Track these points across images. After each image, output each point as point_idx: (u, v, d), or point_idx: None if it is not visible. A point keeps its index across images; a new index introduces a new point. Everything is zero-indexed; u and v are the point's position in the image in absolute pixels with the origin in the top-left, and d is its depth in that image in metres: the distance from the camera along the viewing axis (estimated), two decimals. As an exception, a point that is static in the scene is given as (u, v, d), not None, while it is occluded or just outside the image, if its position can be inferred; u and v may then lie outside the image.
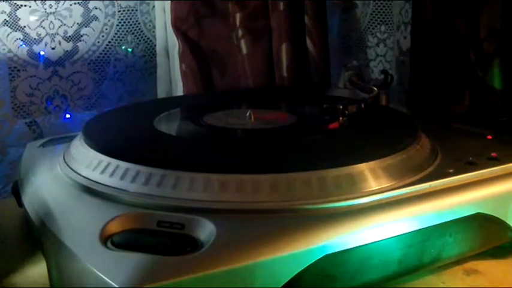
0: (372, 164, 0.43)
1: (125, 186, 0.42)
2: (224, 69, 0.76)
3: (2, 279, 0.43)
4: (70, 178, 0.45)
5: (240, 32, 0.75)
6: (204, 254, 0.34)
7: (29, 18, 0.71)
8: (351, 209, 0.39)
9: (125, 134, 0.52)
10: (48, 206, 0.42)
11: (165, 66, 0.79)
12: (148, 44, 0.80)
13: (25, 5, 0.70)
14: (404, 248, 0.40)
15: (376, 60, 0.92)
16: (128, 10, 0.77)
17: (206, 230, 0.36)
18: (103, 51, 0.76)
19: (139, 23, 0.79)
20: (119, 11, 0.77)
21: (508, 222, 0.45)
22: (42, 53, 0.72)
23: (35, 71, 0.72)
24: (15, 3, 0.70)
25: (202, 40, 0.75)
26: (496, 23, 0.63)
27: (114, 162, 0.44)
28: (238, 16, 0.75)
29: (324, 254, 0.36)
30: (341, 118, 0.53)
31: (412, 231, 0.40)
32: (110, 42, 0.77)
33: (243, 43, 0.75)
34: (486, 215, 0.44)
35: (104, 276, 0.32)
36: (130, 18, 0.78)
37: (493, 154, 0.49)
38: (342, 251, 0.37)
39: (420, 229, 0.41)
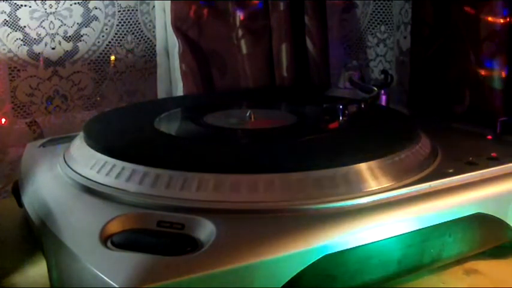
0: (371, 164, 0.43)
1: (125, 186, 0.42)
2: (224, 69, 0.76)
3: (2, 279, 0.43)
4: (70, 178, 0.45)
5: (240, 32, 0.75)
6: (204, 254, 0.34)
7: (29, 18, 0.71)
8: (351, 209, 0.39)
9: (125, 134, 0.52)
10: (48, 206, 0.42)
11: (165, 66, 0.79)
12: (148, 44, 0.80)
13: (25, 5, 0.70)
14: (404, 248, 0.40)
15: (376, 60, 0.92)
16: (128, 10, 0.77)
17: (206, 230, 0.36)
18: (103, 51, 0.76)
19: (139, 23, 0.79)
20: (119, 11, 0.77)
21: (508, 222, 0.45)
22: (42, 53, 0.72)
23: (35, 71, 0.72)
24: (15, 3, 0.70)
25: (202, 40, 0.75)
26: (496, 23, 0.63)
27: (114, 162, 0.44)
28: (238, 16, 0.75)
29: (324, 254, 0.36)
30: (341, 118, 0.53)
31: (412, 231, 0.40)
32: (110, 42, 0.77)
33: (243, 43, 0.75)
34: (486, 215, 0.44)
35: (104, 276, 0.32)
36: (131, 18, 0.78)
37: (493, 154, 0.49)
38: (342, 251, 0.37)
39: (420, 229, 0.41)
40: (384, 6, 0.89)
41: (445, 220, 0.42)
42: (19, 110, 0.73)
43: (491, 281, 0.44)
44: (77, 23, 0.74)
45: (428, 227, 0.41)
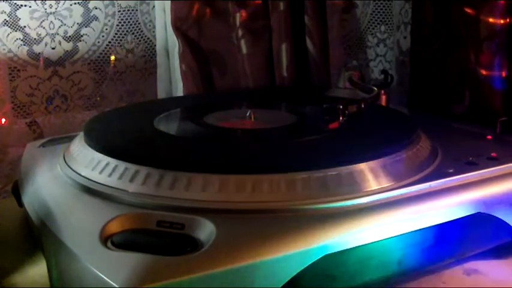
0: (372, 163, 0.43)
1: (124, 186, 0.42)
2: (224, 69, 0.76)
3: (2, 279, 0.43)
4: (70, 178, 0.45)
5: (240, 32, 0.75)
6: (204, 254, 0.34)
7: (29, 18, 0.71)
8: (351, 209, 0.39)
9: (125, 134, 0.52)
10: (48, 206, 0.42)
11: (165, 66, 0.79)
12: (148, 44, 0.80)
13: (25, 5, 0.70)
14: (404, 248, 0.40)
15: (376, 60, 0.92)
16: (128, 10, 0.77)
17: (206, 230, 0.36)
18: (103, 51, 0.77)
19: (139, 23, 0.79)
20: (119, 11, 0.77)
21: (508, 222, 0.45)
22: (42, 53, 0.72)
23: (35, 71, 0.72)
24: (15, 3, 0.70)
25: (202, 40, 0.75)
26: (496, 23, 0.63)
27: (114, 162, 0.44)
28: (238, 16, 0.75)
29: (324, 254, 0.36)
30: (341, 118, 0.53)
31: (412, 231, 0.40)
32: (110, 42, 0.77)
33: (243, 43, 0.75)
34: (486, 215, 0.44)
35: (104, 276, 0.32)
36: (131, 18, 0.78)
37: (493, 154, 0.49)
38: (342, 251, 0.37)
39: (420, 229, 0.41)
40: (383, 6, 0.89)
41: (445, 220, 0.42)
42: (19, 110, 0.73)
43: (491, 281, 0.43)
44: (77, 23, 0.74)
45: (428, 227, 0.41)
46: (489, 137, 0.55)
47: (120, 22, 0.77)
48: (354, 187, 0.41)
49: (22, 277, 0.44)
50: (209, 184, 0.40)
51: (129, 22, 0.78)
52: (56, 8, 0.72)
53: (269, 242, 0.35)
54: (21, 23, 0.70)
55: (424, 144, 0.49)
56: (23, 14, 0.70)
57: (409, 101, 0.78)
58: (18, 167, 0.57)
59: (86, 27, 0.75)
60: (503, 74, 0.64)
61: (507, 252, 0.47)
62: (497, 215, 0.45)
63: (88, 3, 0.74)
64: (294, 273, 0.35)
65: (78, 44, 0.75)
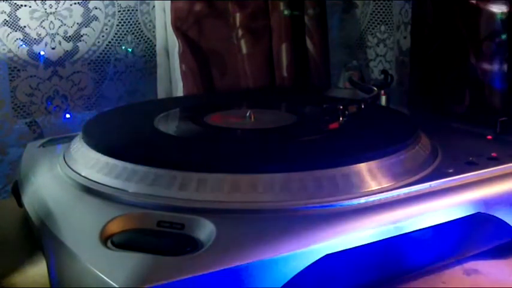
0: (372, 164, 0.43)
1: (124, 186, 0.42)
2: (224, 69, 0.76)
3: (2, 279, 0.43)
4: (70, 178, 0.45)
5: (240, 32, 0.75)
6: (204, 254, 0.34)
7: (29, 18, 0.71)
8: (351, 209, 0.39)
9: (125, 134, 0.52)
10: (48, 206, 0.42)
11: (165, 66, 0.79)
12: (148, 44, 0.80)
13: (25, 5, 0.70)
14: (404, 248, 0.40)
15: (376, 60, 0.92)
16: (128, 10, 0.77)
17: (206, 230, 0.36)
18: (103, 51, 0.77)
19: (139, 23, 0.79)
20: (119, 11, 0.77)
21: (508, 222, 0.45)
22: (42, 53, 0.72)
23: (35, 71, 0.72)
24: (15, 3, 0.70)
25: (202, 40, 0.75)
26: (496, 23, 0.63)
27: (114, 162, 0.44)
28: (238, 16, 0.75)
29: (324, 254, 0.36)
30: (341, 118, 0.53)
31: (411, 231, 0.40)
32: (110, 42, 0.77)
33: (243, 43, 0.75)
34: (486, 215, 0.44)
35: (104, 276, 0.32)
36: (131, 18, 0.78)
37: (493, 154, 0.49)
38: (342, 251, 0.37)
39: (420, 229, 0.41)
40: (384, 6, 0.89)
41: (445, 220, 0.42)
42: (19, 110, 0.73)
43: (491, 281, 0.43)
44: (77, 23, 0.74)
45: (428, 227, 0.41)
46: (489, 137, 0.55)
47: (120, 22, 0.77)
48: (354, 187, 0.41)
49: (22, 277, 0.44)
50: (209, 184, 0.40)
51: (129, 22, 0.78)
52: (56, 8, 0.72)
53: (269, 242, 0.35)
54: (21, 23, 0.71)
55: (424, 144, 0.49)
56: (23, 14, 0.70)
57: (409, 101, 0.78)
58: (18, 167, 0.57)
59: (86, 27, 0.75)
60: (503, 74, 0.64)
61: (507, 252, 0.47)
62: (497, 215, 0.45)
63: (88, 3, 0.74)
64: (294, 273, 0.35)
65: (78, 44, 0.75)
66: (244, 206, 0.39)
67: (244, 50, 0.76)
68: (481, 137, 0.56)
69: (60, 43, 0.73)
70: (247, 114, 0.57)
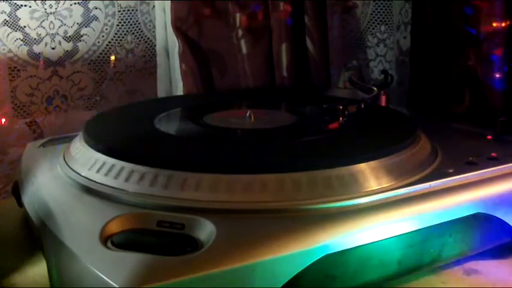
0: (372, 164, 0.43)
1: (124, 186, 0.42)
2: (224, 69, 0.76)
3: (2, 279, 0.43)
4: (70, 178, 0.45)
5: (240, 32, 0.75)
6: (204, 254, 0.34)
7: (29, 18, 0.71)
8: (351, 209, 0.39)
9: (125, 134, 0.52)
10: (48, 206, 0.42)
11: (165, 66, 0.79)
12: (148, 44, 0.80)
13: (25, 5, 0.70)
14: (404, 248, 0.40)
15: (376, 60, 0.92)
16: (128, 10, 0.77)
17: (206, 230, 0.36)
18: (103, 51, 0.77)
19: (139, 23, 0.79)
20: (119, 11, 0.77)
21: (508, 222, 0.45)
22: (42, 53, 0.72)
23: (35, 71, 0.72)
24: (15, 3, 0.70)
25: (202, 40, 0.75)
26: (496, 23, 0.63)
27: (114, 162, 0.44)
28: (238, 16, 0.75)
29: (324, 254, 0.36)
30: (341, 118, 0.53)
31: (412, 231, 0.40)
32: (110, 42, 0.77)
33: (243, 43, 0.75)
34: (486, 215, 0.44)
35: (104, 276, 0.32)
36: (131, 18, 0.78)
37: (493, 154, 0.49)
38: (342, 251, 0.37)
39: (420, 229, 0.41)
40: (383, 6, 0.89)
41: (445, 220, 0.42)
42: (19, 110, 0.73)
43: (491, 281, 0.44)
44: (77, 23, 0.74)
45: (429, 227, 0.41)
46: (489, 137, 0.55)
47: (120, 22, 0.77)
48: (354, 187, 0.41)
49: (22, 277, 0.44)
50: (209, 184, 0.40)
51: (129, 22, 0.78)
52: (56, 8, 0.72)
53: (269, 242, 0.35)
54: (21, 23, 0.70)
55: (424, 144, 0.49)
56: (23, 14, 0.70)
57: (409, 101, 0.78)
58: (18, 167, 0.57)
59: (86, 27, 0.75)
60: (503, 74, 0.64)
61: (507, 252, 0.47)
62: (497, 215, 0.45)
63: (88, 3, 0.74)
64: (294, 273, 0.35)
65: (78, 44, 0.75)
66: (244, 206, 0.39)
67: (244, 50, 0.76)
68: (481, 137, 0.56)
69: (60, 43, 0.73)
70: (247, 114, 0.57)
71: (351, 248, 0.37)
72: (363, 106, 0.57)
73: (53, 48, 0.73)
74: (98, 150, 0.46)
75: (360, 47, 0.93)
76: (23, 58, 0.71)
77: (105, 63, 0.77)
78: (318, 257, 0.36)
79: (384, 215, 0.40)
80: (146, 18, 0.79)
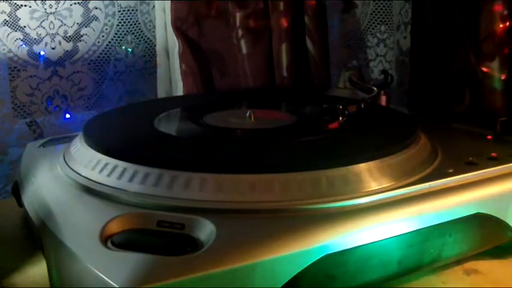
0: (372, 164, 0.43)
1: (124, 186, 0.42)
2: (224, 69, 0.76)
3: (2, 279, 0.43)
4: (70, 178, 0.45)
5: (240, 32, 0.75)
6: (204, 254, 0.34)
7: (29, 18, 0.71)
8: (351, 209, 0.39)
9: (125, 134, 0.52)
10: (48, 206, 0.42)
11: (165, 66, 0.79)
12: (148, 44, 0.80)
13: (25, 5, 0.70)
14: (404, 248, 0.40)
15: (376, 60, 0.92)
16: (128, 10, 0.77)
17: (206, 230, 0.36)
18: (103, 51, 0.77)
19: (139, 23, 0.79)
20: (119, 11, 0.77)
21: (508, 222, 0.45)
22: (42, 53, 0.72)
23: (35, 71, 0.72)
24: (15, 3, 0.70)
25: (202, 40, 0.75)
26: (496, 23, 0.63)
27: (114, 162, 0.44)
28: (238, 16, 0.75)
29: (324, 254, 0.36)
30: (341, 118, 0.53)
31: (412, 231, 0.40)
32: (110, 42, 0.77)
33: (243, 43, 0.75)
34: (486, 215, 0.44)
35: (104, 276, 0.32)
36: (131, 18, 0.78)
37: (493, 154, 0.49)
38: (342, 251, 0.37)
39: (420, 229, 0.41)
40: (383, 6, 0.89)
41: (445, 220, 0.42)
42: (19, 110, 0.73)
43: (491, 281, 0.44)
44: (77, 23, 0.74)
45: (428, 227, 0.41)
46: (489, 137, 0.55)
47: (120, 22, 0.77)
48: (354, 187, 0.41)
49: (22, 277, 0.44)
50: (209, 184, 0.40)
51: (129, 22, 0.78)
52: (56, 8, 0.72)
53: (269, 242, 0.35)
54: (21, 23, 0.71)
55: (424, 144, 0.49)
56: (23, 14, 0.70)
57: (409, 101, 0.78)
58: (18, 167, 0.57)
59: (86, 27, 0.75)
60: (503, 74, 0.64)
61: (507, 252, 0.47)
62: (497, 215, 0.45)
63: (88, 3, 0.74)
64: (294, 273, 0.35)
65: (78, 44, 0.75)
66: (244, 206, 0.39)
67: (244, 50, 0.76)
68: (481, 137, 0.56)
69: (60, 43, 0.73)
70: (247, 114, 0.57)
71: (351, 248, 0.37)
72: (363, 106, 0.57)
73: (53, 48, 0.73)
74: (98, 150, 0.46)
75: (360, 47, 0.93)
76: (23, 58, 0.71)
77: (105, 63, 0.77)
78: (318, 257, 0.36)
79: (384, 215, 0.40)
80: (146, 18, 0.79)
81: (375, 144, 0.48)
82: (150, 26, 0.79)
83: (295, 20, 0.77)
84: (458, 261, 0.45)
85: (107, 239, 0.36)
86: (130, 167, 0.43)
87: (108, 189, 0.42)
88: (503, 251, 0.47)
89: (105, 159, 0.45)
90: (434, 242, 0.42)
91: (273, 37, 0.77)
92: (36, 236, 0.44)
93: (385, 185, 0.42)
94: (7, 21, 0.70)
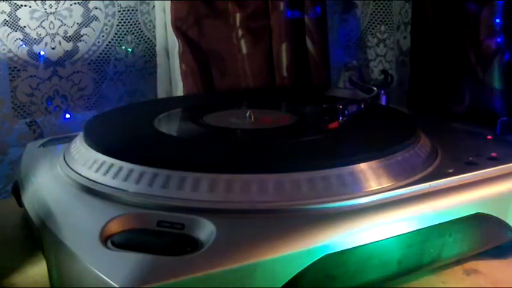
0: (372, 163, 0.43)
1: (125, 186, 0.42)
2: (224, 69, 0.76)
3: (2, 279, 0.43)
4: (70, 178, 0.45)
5: (240, 32, 0.75)
6: (204, 254, 0.34)
7: (29, 18, 0.71)
8: (351, 209, 0.39)
9: (125, 134, 0.52)
10: (48, 206, 0.42)
11: (165, 66, 0.79)
12: (148, 44, 0.80)
13: (25, 5, 0.70)
14: (404, 248, 0.40)
15: (376, 60, 0.92)
16: (128, 10, 0.77)
17: (206, 230, 0.36)
18: (103, 51, 0.77)
19: (139, 23, 0.79)
20: (119, 11, 0.77)
21: (508, 222, 0.45)
22: (42, 53, 0.72)
23: (35, 71, 0.72)
24: (15, 3, 0.70)
25: (202, 40, 0.75)
26: (496, 23, 0.63)
27: (114, 162, 0.44)
28: (238, 16, 0.75)
29: (324, 254, 0.36)
30: (341, 118, 0.53)
31: (412, 231, 0.40)
32: (110, 42, 0.77)
33: (243, 43, 0.75)
34: (486, 215, 0.44)
35: (104, 276, 0.32)
36: (131, 18, 0.78)
37: (493, 154, 0.49)
38: (342, 251, 0.37)
39: (420, 229, 0.41)
40: (383, 6, 0.89)
41: (445, 220, 0.42)
42: (19, 110, 0.73)
43: (491, 281, 0.44)
44: (77, 23, 0.74)
45: (428, 227, 0.41)
46: (489, 137, 0.55)
47: (120, 22, 0.77)
48: (354, 187, 0.41)
49: (22, 277, 0.44)
50: (209, 184, 0.40)
51: (129, 22, 0.78)
52: (56, 8, 0.72)
53: (269, 242, 0.35)
54: (21, 23, 0.71)
55: (424, 144, 0.49)
56: (23, 14, 0.70)
57: (409, 101, 0.78)
58: (18, 167, 0.57)
59: (86, 27, 0.75)
60: (503, 74, 0.64)
61: (507, 252, 0.47)
62: (497, 215, 0.45)
63: (88, 3, 0.74)
64: (294, 273, 0.35)
65: (78, 44, 0.75)
66: (244, 206, 0.39)
67: (244, 50, 0.76)
68: (481, 137, 0.56)
69: (60, 43, 0.73)
70: (247, 114, 0.57)
71: (351, 248, 0.37)
72: (363, 106, 0.57)
73: (53, 48, 0.73)
74: (98, 150, 0.46)
75: (360, 47, 0.93)
76: (23, 58, 0.71)
77: (105, 63, 0.77)
78: (318, 257, 0.36)
79: (384, 215, 0.40)
80: (146, 18, 0.79)
81: (375, 144, 0.48)
82: (150, 26, 0.79)
83: (295, 20, 0.77)
84: (458, 261, 0.45)
85: (107, 239, 0.36)
86: (131, 167, 0.43)
87: (108, 189, 0.42)
88: (503, 251, 0.47)
89: (105, 159, 0.45)
90: (434, 242, 0.42)
91: (273, 37, 0.77)
92: (36, 236, 0.44)
93: (385, 185, 0.42)
94: (7, 21, 0.70)
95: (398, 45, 0.86)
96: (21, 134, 0.73)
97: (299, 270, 0.35)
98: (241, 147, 0.50)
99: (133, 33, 0.78)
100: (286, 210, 0.39)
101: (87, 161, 0.46)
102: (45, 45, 0.72)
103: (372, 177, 0.42)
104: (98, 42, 0.76)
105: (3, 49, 0.70)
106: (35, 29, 0.71)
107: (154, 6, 0.78)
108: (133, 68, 0.79)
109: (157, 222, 0.37)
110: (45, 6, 0.71)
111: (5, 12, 0.69)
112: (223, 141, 0.52)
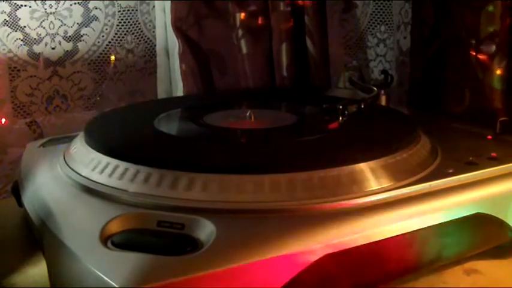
0: (372, 163, 0.43)
1: (125, 186, 0.42)
2: (224, 69, 0.76)
3: (2, 279, 0.43)
4: (70, 178, 0.45)
5: (240, 32, 0.75)
6: (204, 254, 0.34)
7: (29, 18, 0.71)
8: (351, 209, 0.39)
9: (125, 134, 0.52)
10: (48, 206, 0.42)
11: (165, 66, 0.79)
12: (148, 44, 0.80)
13: (25, 5, 0.70)
14: (404, 248, 0.40)
15: (376, 60, 0.92)
16: (128, 10, 0.77)
17: (206, 230, 0.36)
18: (103, 51, 0.77)
19: (139, 23, 0.79)
20: (119, 11, 0.77)
21: (508, 222, 0.45)
22: (42, 53, 0.72)
23: (35, 71, 0.72)
24: (15, 3, 0.70)
25: (202, 40, 0.75)
26: (496, 23, 0.63)
27: (114, 162, 0.44)
28: (238, 16, 0.75)
29: (323, 254, 0.36)
30: (341, 118, 0.53)
31: (411, 231, 0.40)
32: (110, 42, 0.77)
33: (243, 43, 0.75)
34: (486, 215, 0.44)
35: (104, 276, 0.32)
36: (131, 18, 0.78)
37: (493, 154, 0.49)
38: (342, 251, 0.37)
39: (420, 229, 0.41)
40: (384, 6, 0.89)
41: (445, 220, 0.42)
42: (19, 110, 0.73)
43: (491, 281, 0.43)
44: (77, 23, 0.74)
45: (429, 227, 0.41)
46: (489, 137, 0.55)
47: (120, 22, 0.77)
48: (354, 187, 0.41)
49: (22, 277, 0.44)
50: (209, 184, 0.40)
51: (129, 22, 0.78)
52: (56, 8, 0.72)
53: (269, 242, 0.35)
54: (21, 23, 0.71)
55: (424, 144, 0.49)
56: (23, 14, 0.70)
57: (409, 100, 0.78)
58: (18, 167, 0.57)
59: (86, 27, 0.75)
60: (503, 74, 0.64)
61: (507, 252, 0.47)
62: (497, 215, 0.45)
63: (88, 3, 0.74)
64: (294, 273, 0.35)
65: (78, 44, 0.75)
66: (244, 206, 0.39)
67: (244, 50, 0.76)
68: (481, 137, 0.56)
69: (60, 43, 0.73)
70: (247, 114, 0.57)
71: (351, 248, 0.37)
72: (363, 106, 0.57)
73: (53, 48, 0.73)
74: (98, 150, 0.46)
75: (360, 47, 0.93)
76: (23, 58, 0.71)
77: (105, 63, 0.77)
78: (318, 257, 0.36)
79: (384, 215, 0.40)
80: (146, 18, 0.79)
81: (375, 144, 0.48)
82: (150, 26, 0.79)
83: (295, 20, 0.77)
84: (458, 261, 0.45)
85: (107, 239, 0.36)
86: (131, 167, 0.43)
87: (108, 189, 0.42)
88: (503, 251, 0.47)
89: (105, 159, 0.45)
90: (434, 242, 0.42)
91: (273, 37, 0.77)
92: (36, 236, 0.44)
93: (385, 185, 0.42)
94: (7, 21, 0.70)
95: (398, 45, 0.86)
96: (21, 134, 0.73)
97: (299, 270, 0.35)
98: (242, 147, 0.50)
99: (133, 33, 0.78)
100: (286, 210, 0.39)
101: (87, 161, 0.46)
102: (45, 45, 0.72)
103: (372, 177, 0.42)
104: (98, 42, 0.76)
105: (3, 49, 0.70)
106: (35, 29, 0.71)
107: (154, 6, 0.78)
108: (133, 68, 0.79)
109: (157, 222, 0.37)
110: (45, 6, 0.71)
111: (5, 12, 0.69)
112: (223, 141, 0.52)
